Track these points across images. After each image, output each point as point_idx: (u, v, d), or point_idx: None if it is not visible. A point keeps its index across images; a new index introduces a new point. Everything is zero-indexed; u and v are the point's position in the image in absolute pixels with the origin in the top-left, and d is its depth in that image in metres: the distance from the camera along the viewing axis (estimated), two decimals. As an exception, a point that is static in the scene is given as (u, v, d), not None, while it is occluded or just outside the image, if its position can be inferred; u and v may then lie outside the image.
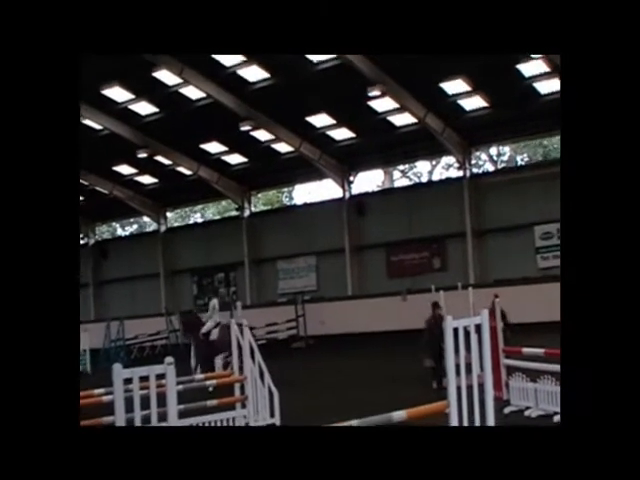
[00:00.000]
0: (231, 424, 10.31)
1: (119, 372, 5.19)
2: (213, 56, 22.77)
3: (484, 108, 24.97)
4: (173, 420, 5.30)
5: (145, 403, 5.39)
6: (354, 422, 5.91)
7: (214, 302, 17.81)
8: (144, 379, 5.36)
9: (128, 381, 5.29)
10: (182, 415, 8.28)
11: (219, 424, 10.24)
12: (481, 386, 6.08)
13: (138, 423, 5.41)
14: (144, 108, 27.19)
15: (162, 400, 5.32)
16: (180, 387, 8.85)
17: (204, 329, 17.25)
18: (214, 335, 16.91)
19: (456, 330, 5.99)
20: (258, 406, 10.39)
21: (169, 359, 5.33)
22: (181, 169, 31.17)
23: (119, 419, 5.14)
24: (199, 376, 11.69)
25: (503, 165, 37.19)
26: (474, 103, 24.95)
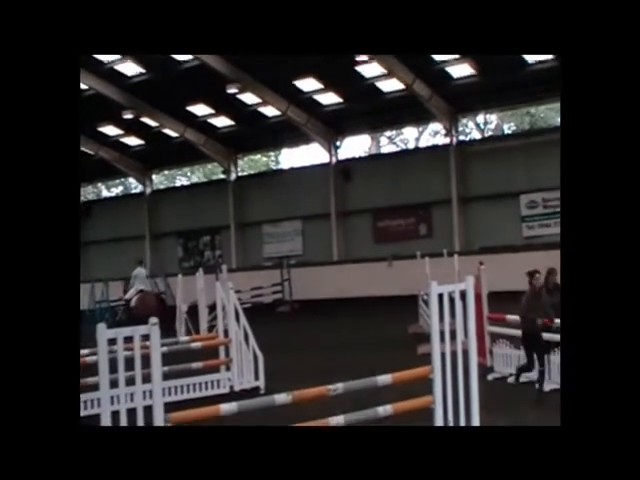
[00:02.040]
0: (215, 386, 10.38)
1: (103, 332, 5.19)
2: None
3: (471, 76, 24.86)
4: (158, 381, 5.30)
5: (129, 364, 5.39)
6: (339, 385, 5.96)
7: (138, 270, 18.83)
8: (128, 340, 5.35)
9: (113, 342, 5.28)
10: (166, 377, 8.31)
11: (203, 386, 10.31)
12: (465, 352, 6.12)
13: (122, 384, 5.41)
14: (130, 69, 26.82)
15: (146, 362, 5.31)
16: (164, 349, 8.86)
17: (126, 296, 18.58)
18: (133, 302, 17.84)
19: (441, 296, 6.03)
20: (243, 369, 10.44)
21: (153, 319, 5.31)
22: (167, 131, 30.93)
23: (103, 380, 5.14)
24: (184, 338, 11.73)
25: (490, 133, 37.09)
26: (461, 70, 24.82)
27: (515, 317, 10.06)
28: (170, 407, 5.61)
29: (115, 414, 5.27)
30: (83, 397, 9.53)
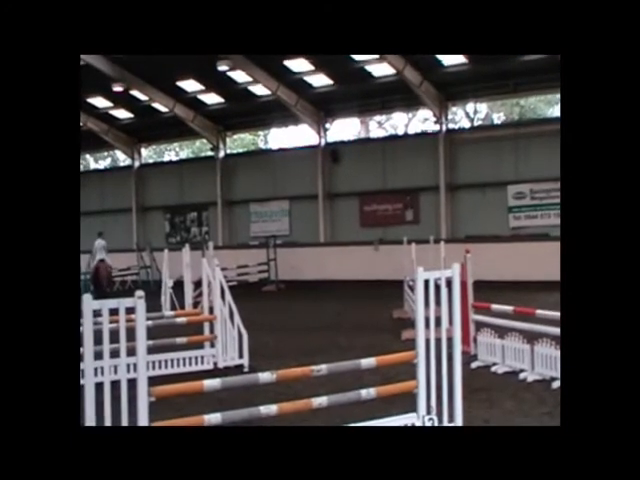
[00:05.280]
0: (199, 362, 10.41)
1: (89, 303, 5.17)
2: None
3: (462, 64, 24.85)
4: (142, 355, 5.30)
5: (114, 336, 5.40)
6: (323, 367, 6.00)
7: (98, 241, 23.08)
8: (114, 312, 5.35)
9: (98, 314, 5.28)
10: (151, 351, 8.32)
11: (187, 361, 10.34)
12: (450, 340, 6.17)
13: (107, 355, 5.41)
14: (120, 54, 26.43)
15: (131, 335, 5.32)
16: (149, 323, 8.87)
17: (93, 264, 23.12)
18: (98, 271, 22.48)
19: (427, 282, 6.06)
20: (227, 346, 10.48)
21: (139, 293, 5.30)
22: (157, 105, 30.76)
23: (87, 351, 5.14)
24: (169, 313, 11.73)
25: (479, 122, 37.16)
26: (452, 58, 24.78)
27: (500, 306, 10.14)
28: (154, 381, 5.63)
29: (99, 385, 5.27)
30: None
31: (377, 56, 24.48)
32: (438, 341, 6.15)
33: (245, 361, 10.34)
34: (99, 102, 31.54)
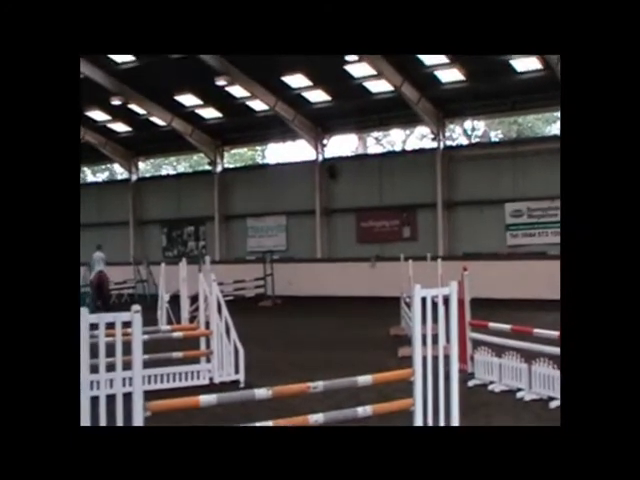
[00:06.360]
0: (195, 377, 10.37)
1: (85, 317, 5.16)
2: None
3: (460, 81, 24.94)
4: (138, 369, 5.28)
5: (110, 350, 5.38)
6: (320, 383, 5.97)
7: (97, 254, 23.60)
8: (110, 326, 5.33)
9: (94, 327, 5.26)
10: (147, 365, 8.29)
11: (183, 376, 10.30)
12: (447, 357, 6.15)
13: (102, 369, 5.39)
14: (120, 55, 26.54)
15: (127, 349, 5.30)
16: (145, 337, 8.84)
17: (91, 276, 23.66)
18: (94, 282, 23.14)
19: (424, 300, 6.05)
20: (223, 361, 10.43)
21: (136, 307, 5.29)
22: (155, 119, 30.80)
23: (83, 364, 5.11)
24: (165, 327, 11.69)
25: (477, 140, 37.27)
26: (450, 75, 24.90)
27: (497, 325, 10.11)
28: (149, 396, 5.60)
29: (94, 399, 5.25)
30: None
31: (375, 72, 24.55)
32: (435, 359, 6.13)
33: (241, 376, 10.29)
34: (97, 115, 31.57)
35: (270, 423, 5.75)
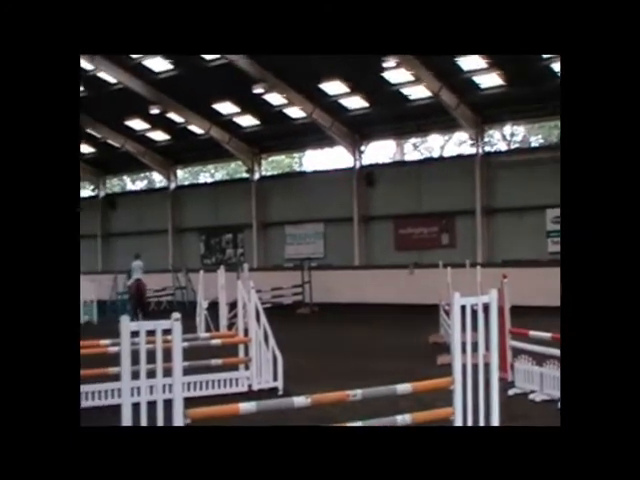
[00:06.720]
0: (234, 384, 10.40)
1: (127, 325, 5.20)
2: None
3: (499, 86, 24.74)
4: (178, 376, 5.31)
5: (150, 357, 5.41)
6: (359, 392, 5.95)
7: (136, 262, 23.62)
8: (150, 333, 5.37)
9: (134, 334, 5.31)
10: (186, 372, 8.33)
11: (222, 383, 10.34)
12: (487, 366, 6.09)
13: (143, 376, 5.43)
14: (158, 64, 27.00)
15: (167, 356, 5.33)
16: (185, 344, 8.89)
17: (128, 283, 24.08)
18: (132, 289, 23.35)
19: (463, 308, 6.00)
20: (261, 369, 10.45)
21: (176, 315, 5.33)
22: (193, 127, 31.09)
23: (125, 370, 5.16)
24: (204, 334, 11.75)
25: (517, 145, 36.90)
26: (489, 80, 24.72)
27: (538, 333, 9.98)
28: (189, 402, 5.62)
29: (135, 406, 5.28)
30: (105, 387, 9.68)
31: (412, 78, 24.48)
32: (475, 367, 6.07)
33: (279, 384, 10.30)
34: (137, 124, 31.98)
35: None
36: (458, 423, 5.92)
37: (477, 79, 24.66)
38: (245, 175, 33.26)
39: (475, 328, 6.17)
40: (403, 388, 6.18)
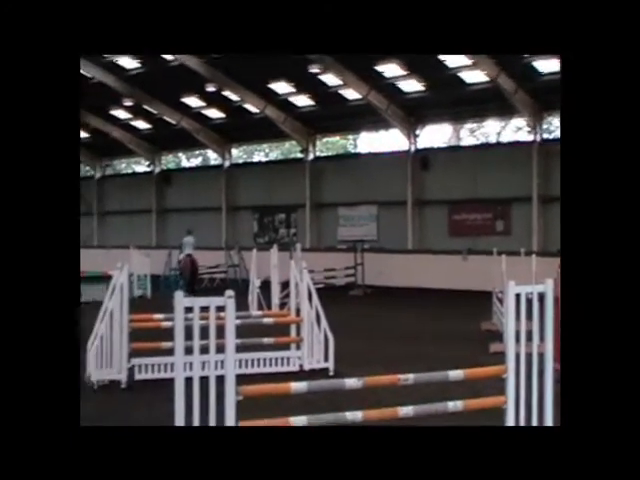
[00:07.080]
0: (285, 363, 10.47)
1: (180, 300, 5.26)
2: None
3: (559, 72, 24.14)
4: (231, 352, 5.35)
5: (203, 333, 5.46)
6: (410, 376, 5.92)
7: (187, 238, 24.04)
8: (204, 309, 5.41)
9: (188, 310, 5.36)
10: (238, 349, 8.40)
11: (273, 362, 10.42)
12: (540, 356, 6.01)
13: (196, 351, 5.48)
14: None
15: (219, 333, 5.37)
16: (238, 321, 8.96)
17: (179, 258, 24.56)
18: (184, 264, 23.84)
19: (518, 296, 5.93)
20: (313, 349, 10.50)
21: (229, 292, 5.37)
22: (248, 106, 31.15)
23: (178, 345, 5.22)
24: (256, 312, 11.85)
25: (576, 133, 36.23)
26: (549, 66, 24.15)
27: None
28: (240, 379, 5.67)
29: (188, 380, 5.34)
30: (158, 360, 9.83)
31: (470, 62, 24.14)
32: (528, 356, 5.99)
33: (330, 365, 10.34)
34: (192, 102, 32.17)
35: (359, 414, 5.75)
36: (510, 412, 5.86)
37: (536, 64, 24.16)
38: (299, 155, 33.28)
39: (529, 317, 6.08)
40: (455, 374, 6.14)
